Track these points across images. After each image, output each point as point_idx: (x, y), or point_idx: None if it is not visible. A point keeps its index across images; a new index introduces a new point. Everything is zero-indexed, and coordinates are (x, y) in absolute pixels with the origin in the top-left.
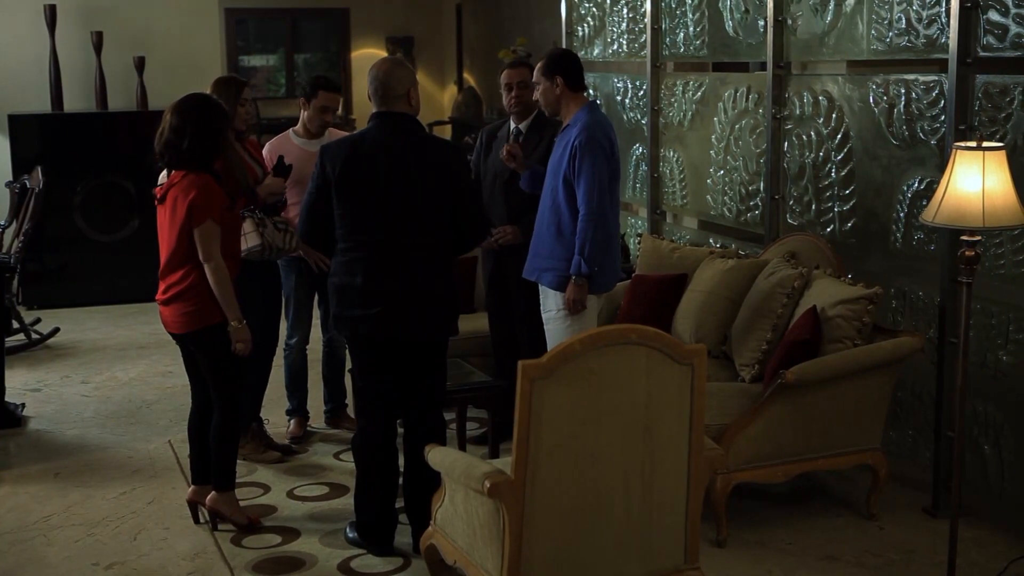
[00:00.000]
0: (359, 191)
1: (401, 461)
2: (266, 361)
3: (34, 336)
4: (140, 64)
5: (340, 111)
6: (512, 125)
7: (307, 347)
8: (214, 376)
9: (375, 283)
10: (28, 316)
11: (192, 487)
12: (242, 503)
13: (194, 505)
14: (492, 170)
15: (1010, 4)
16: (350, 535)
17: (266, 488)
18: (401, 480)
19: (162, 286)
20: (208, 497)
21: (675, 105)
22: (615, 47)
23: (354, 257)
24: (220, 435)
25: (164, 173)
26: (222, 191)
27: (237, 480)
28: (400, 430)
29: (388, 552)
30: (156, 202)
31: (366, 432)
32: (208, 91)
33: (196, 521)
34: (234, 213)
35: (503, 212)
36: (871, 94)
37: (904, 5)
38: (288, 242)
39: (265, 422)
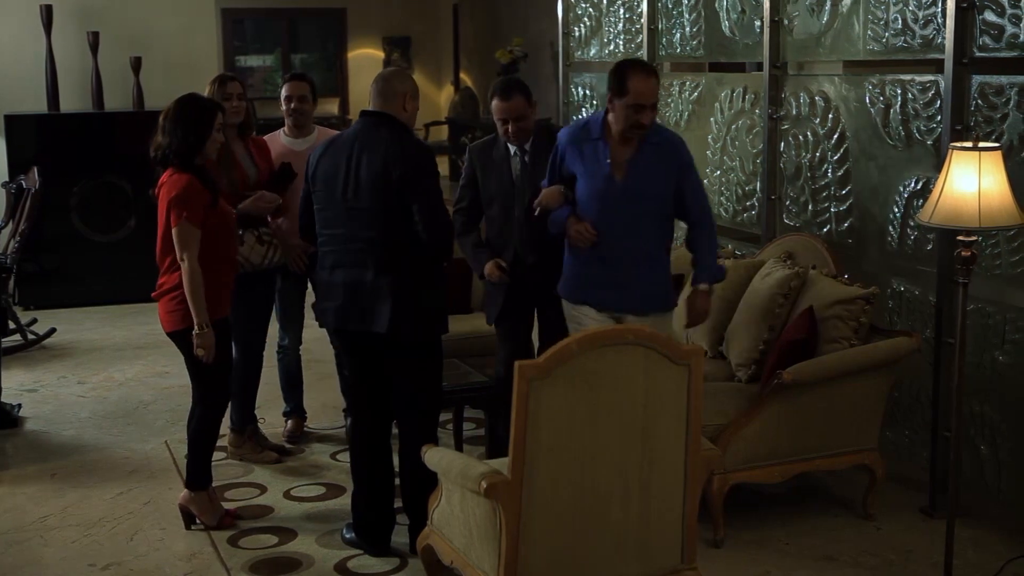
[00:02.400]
0: (326, 186)
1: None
2: (255, 363)
3: (31, 336)
4: (136, 64)
5: (337, 111)
6: (512, 149)
7: (300, 347)
8: (196, 377)
9: (337, 276)
10: (25, 316)
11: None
12: (239, 503)
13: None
14: (499, 197)
15: (1006, 4)
16: (347, 535)
17: (263, 488)
18: (398, 480)
19: (157, 282)
20: (181, 495)
21: (672, 105)
22: (612, 47)
23: (326, 251)
24: (196, 435)
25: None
26: (206, 191)
27: (234, 481)
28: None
29: (385, 552)
30: (154, 201)
31: (354, 430)
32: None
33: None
34: (219, 212)
35: (526, 238)
36: (867, 94)
37: (900, 5)
38: (270, 256)
39: (261, 421)
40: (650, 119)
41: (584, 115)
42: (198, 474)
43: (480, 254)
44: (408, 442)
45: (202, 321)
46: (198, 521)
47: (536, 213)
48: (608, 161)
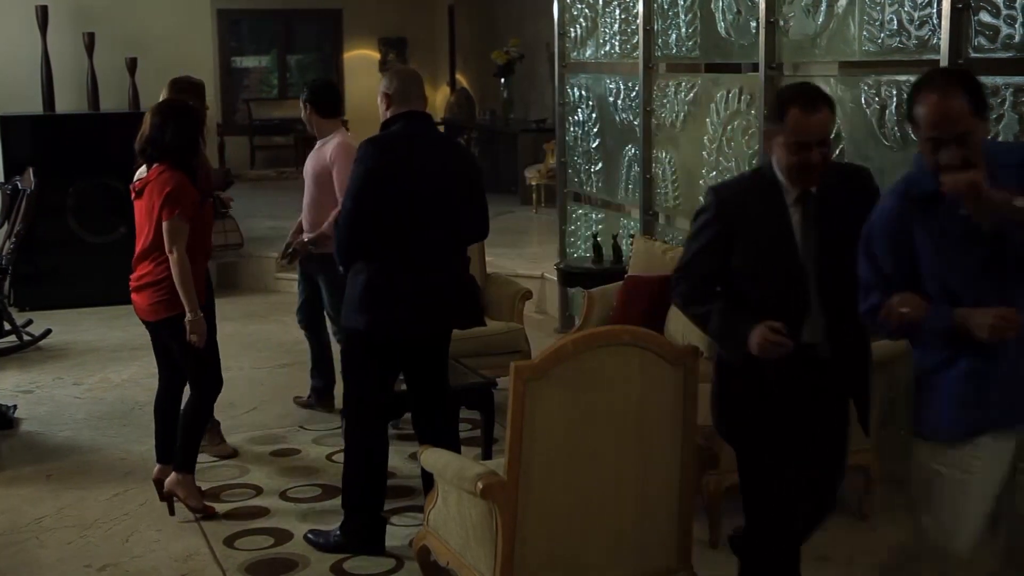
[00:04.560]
0: (408, 191)
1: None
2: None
3: (26, 338)
4: (132, 65)
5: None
6: (790, 193)
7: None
8: (187, 362)
9: (416, 281)
10: (20, 318)
11: (158, 466)
12: (234, 505)
13: (160, 484)
14: (775, 264)
15: (1001, 5)
16: (335, 540)
17: (258, 490)
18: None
19: (135, 274)
20: (167, 479)
21: (667, 106)
22: (607, 48)
23: (401, 259)
24: (190, 419)
25: (142, 169)
26: (196, 190)
27: (230, 482)
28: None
29: (382, 553)
30: (133, 196)
31: (369, 438)
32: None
33: (162, 499)
34: (205, 211)
35: (820, 321)
36: (863, 95)
37: (896, 6)
38: None
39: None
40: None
41: (580, 117)
42: (190, 457)
43: (740, 323)
44: (440, 432)
45: (195, 308)
46: (182, 504)
47: (892, 331)
48: (963, 212)
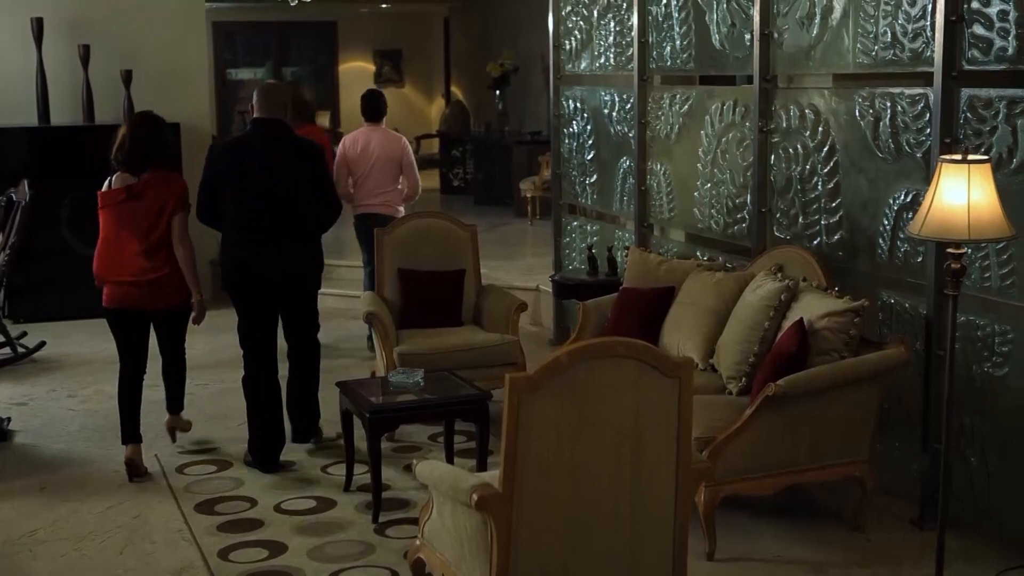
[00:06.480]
0: (248, 179)
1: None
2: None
3: (20, 350)
4: (127, 77)
5: (328, 124)
6: None
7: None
8: (178, 344)
9: (256, 250)
10: (14, 330)
11: (128, 446)
12: (229, 517)
13: (132, 463)
14: None
15: (995, 18)
16: (248, 459)
17: (253, 502)
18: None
19: (139, 268)
20: (168, 419)
21: (662, 118)
22: (602, 60)
23: (239, 236)
24: (180, 376)
25: (115, 177)
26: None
27: (225, 494)
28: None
29: (275, 469)
30: (125, 199)
31: (251, 371)
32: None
33: (130, 480)
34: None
35: None
36: (857, 107)
37: (890, 19)
38: None
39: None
40: None
41: (575, 129)
42: (182, 399)
43: None
44: (300, 359)
45: (200, 291)
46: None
47: None
48: None
